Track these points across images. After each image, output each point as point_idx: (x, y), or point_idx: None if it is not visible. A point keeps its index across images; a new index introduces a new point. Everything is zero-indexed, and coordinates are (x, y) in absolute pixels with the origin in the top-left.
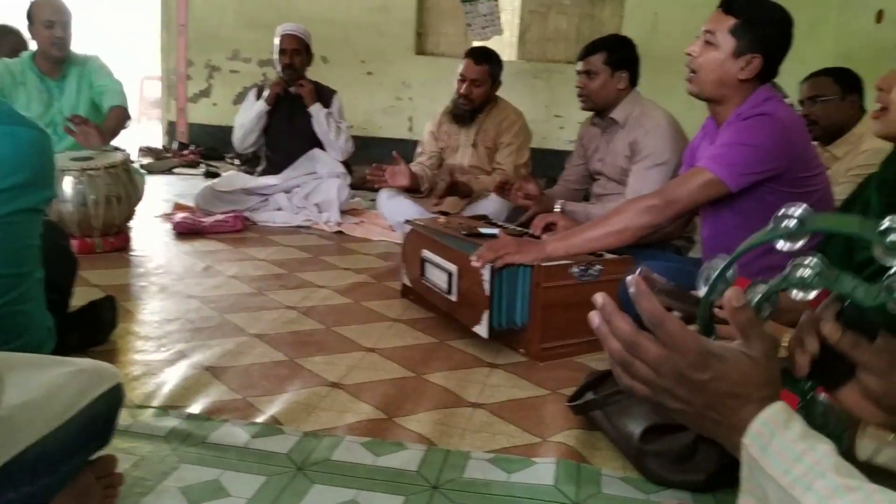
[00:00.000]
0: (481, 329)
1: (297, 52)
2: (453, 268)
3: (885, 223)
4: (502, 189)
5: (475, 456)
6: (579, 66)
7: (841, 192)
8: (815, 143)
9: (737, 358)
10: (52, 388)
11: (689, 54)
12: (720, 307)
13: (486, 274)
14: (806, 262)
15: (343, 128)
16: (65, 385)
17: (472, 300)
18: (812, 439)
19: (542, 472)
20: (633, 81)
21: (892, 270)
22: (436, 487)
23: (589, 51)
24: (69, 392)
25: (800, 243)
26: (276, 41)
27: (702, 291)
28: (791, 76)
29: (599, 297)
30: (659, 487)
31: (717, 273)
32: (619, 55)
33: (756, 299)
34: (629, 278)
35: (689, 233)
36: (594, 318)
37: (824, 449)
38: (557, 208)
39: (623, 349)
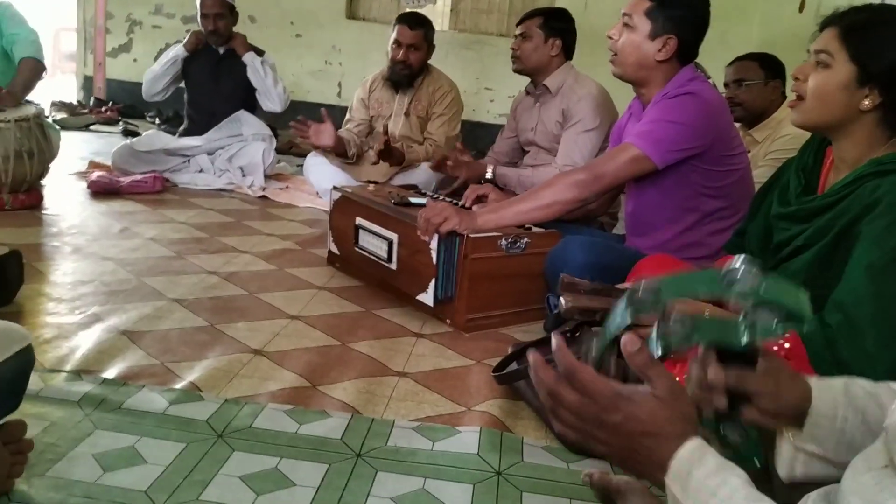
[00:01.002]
0: (427, 298)
1: (221, 15)
2: (393, 236)
3: (726, 275)
4: (440, 167)
5: (400, 424)
6: (517, 29)
7: (759, 175)
8: (738, 124)
9: (644, 398)
10: None
11: (610, 37)
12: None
13: (433, 243)
14: (676, 319)
15: (279, 79)
16: None
17: (415, 269)
18: (725, 472)
19: (466, 440)
20: (567, 52)
21: (743, 313)
22: (360, 455)
23: (528, 15)
24: None
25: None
26: (198, 1)
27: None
28: (716, 61)
29: (554, 339)
30: (579, 457)
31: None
32: (554, 23)
33: (649, 343)
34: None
35: (614, 210)
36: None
37: (735, 482)
38: (489, 174)
39: (549, 397)
